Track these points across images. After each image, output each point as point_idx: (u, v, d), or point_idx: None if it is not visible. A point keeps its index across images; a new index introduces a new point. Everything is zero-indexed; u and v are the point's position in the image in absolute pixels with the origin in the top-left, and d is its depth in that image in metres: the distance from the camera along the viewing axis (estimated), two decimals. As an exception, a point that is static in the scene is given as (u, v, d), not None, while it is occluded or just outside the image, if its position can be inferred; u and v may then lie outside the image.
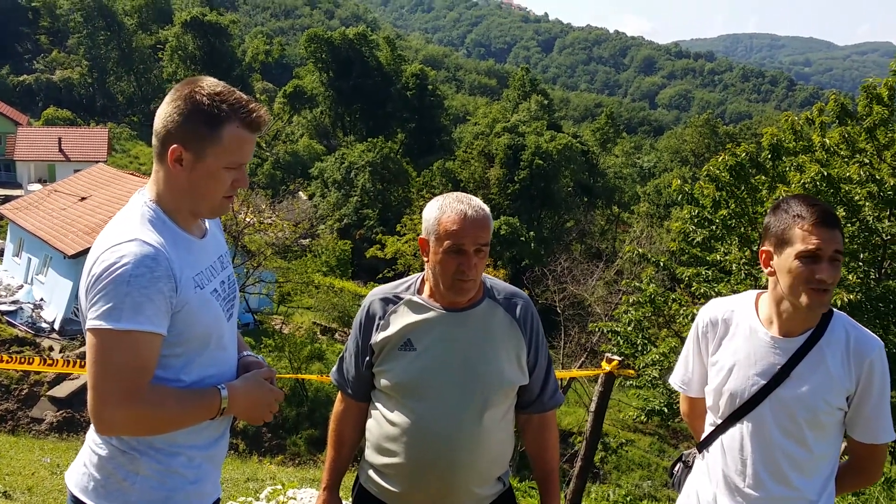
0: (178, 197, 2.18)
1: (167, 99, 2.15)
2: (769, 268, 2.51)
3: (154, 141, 2.17)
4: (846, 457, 2.65)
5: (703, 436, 2.72)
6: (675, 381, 2.87)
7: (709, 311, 2.70)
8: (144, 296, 1.99)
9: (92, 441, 2.20)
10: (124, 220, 2.14)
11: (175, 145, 2.11)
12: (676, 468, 2.93)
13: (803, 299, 2.42)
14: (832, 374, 2.43)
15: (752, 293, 2.65)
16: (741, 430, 2.55)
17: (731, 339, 2.61)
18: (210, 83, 2.15)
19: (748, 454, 2.53)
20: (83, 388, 18.27)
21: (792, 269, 2.42)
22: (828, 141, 10.80)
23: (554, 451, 2.86)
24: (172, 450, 2.17)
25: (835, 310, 2.54)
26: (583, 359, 25.15)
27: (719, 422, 2.62)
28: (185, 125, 2.10)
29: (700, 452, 2.75)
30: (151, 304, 2.00)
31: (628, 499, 6.94)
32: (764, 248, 2.53)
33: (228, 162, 2.15)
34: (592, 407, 5.76)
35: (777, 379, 2.48)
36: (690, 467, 2.82)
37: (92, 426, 2.17)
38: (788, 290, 2.45)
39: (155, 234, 2.09)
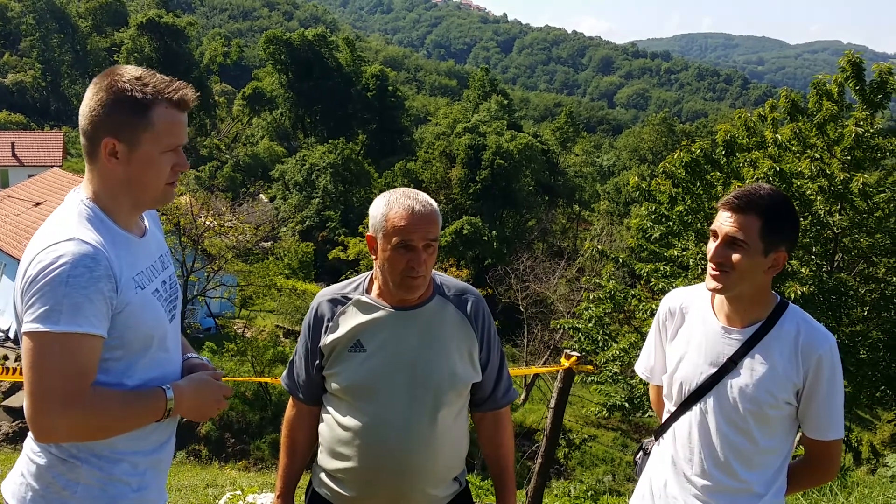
0: (117, 192, 2.11)
1: (88, 94, 2.07)
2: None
3: (82, 140, 2.09)
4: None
5: (661, 423, 2.75)
6: (639, 369, 2.91)
7: (668, 301, 2.74)
8: (83, 296, 1.92)
9: (30, 449, 2.13)
10: (60, 220, 2.07)
11: (107, 138, 2.04)
12: (638, 456, 2.96)
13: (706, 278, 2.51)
14: (777, 367, 2.44)
15: None
16: (690, 418, 2.57)
17: (686, 328, 2.64)
18: (128, 70, 2.09)
19: (695, 442, 2.55)
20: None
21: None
22: (780, 137, 10.98)
23: (509, 449, 2.83)
24: (115, 456, 2.10)
25: (790, 304, 2.56)
26: (546, 356, 25.30)
27: (673, 409, 2.65)
28: (112, 116, 2.03)
29: (657, 440, 2.78)
30: (91, 306, 1.93)
31: (589, 493, 6.98)
32: None
33: (164, 146, 2.09)
34: (552, 403, 5.79)
35: (724, 368, 2.50)
36: (649, 454, 2.84)
37: (30, 435, 2.10)
38: None
39: (93, 233, 2.02)
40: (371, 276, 2.69)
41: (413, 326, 2.59)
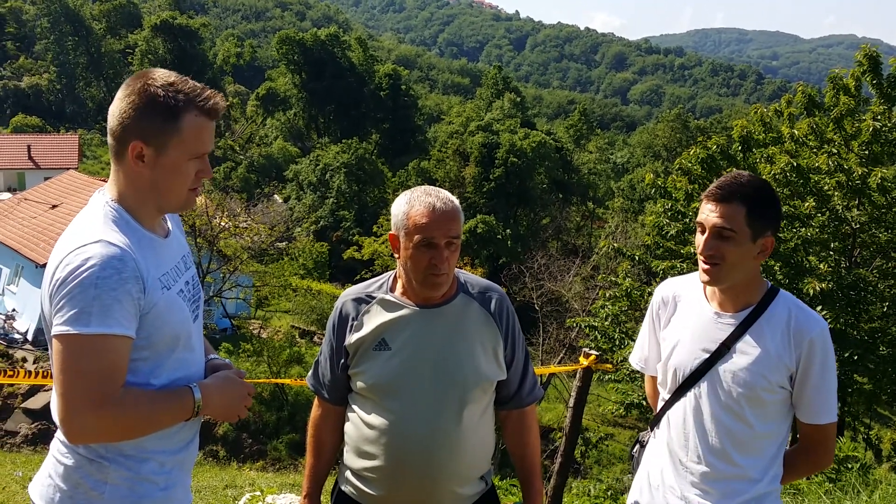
0: (141, 195, 2.11)
1: (119, 95, 2.08)
2: None
3: (110, 140, 2.10)
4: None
5: (655, 413, 2.75)
6: (633, 360, 2.90)
7: (661, 290, 2.75)
8: (113, 298, 1.93)
9: (57, 451, 2.13)
10: (87, 222, 2.07)
11: (135, 142, 2.04)
12: (634, 449, 2.94)
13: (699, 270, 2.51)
14: (771, 351, 2.44)
15: None
16: (684, 404, 2.57)
17: (679, 315, 2.65)
18: (162, 74, 2.08)
19: (690, 428, 2.55)
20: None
21: (694, 241, 2.51)
22: (796, 132, 10.91)
23: (535, 447, 2.82)
24: (142, 456, 2.11)
25: (781, 290, 2.57)
26: (561, 355, 25.23)
27: (667, 397, 2.64)
28: (141, 120, 2.03)
29: (652, 430, 2.78)
30: (120, 307, 1.94)
31: (609, 493, 6.95)
32: None
33: (191, 153, 2.09)
34: (571, 402, 5.76)
35: (718, 353, 2.50)
36: (646, 446, 2.83)
37: (56, 437, 2.12)
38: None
39: (120, 235, 2.03)
40: (395, 275, 2.69)
41: (437, 324, 2.58)
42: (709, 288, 2.60)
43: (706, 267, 2.46)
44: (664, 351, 2.66)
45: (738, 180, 2.45)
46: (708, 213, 2.45)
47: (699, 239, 2.48)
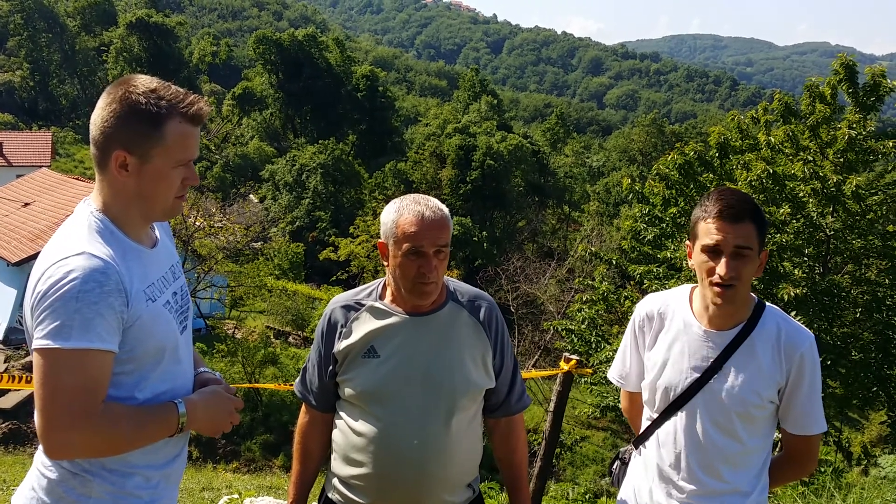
0: (127, 204, 2.07)
1: (100, 103, 2.03)
2: (692, 261, 2.54)
3: (93, 149, 2.05)
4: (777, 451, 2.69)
5: (641, 431, 2.73)
6: (613, 375, 2.87)
7: (645, 306, 2.71)
8: (94, 312, 1.89)
9: (40, 463, 2.08)
10: (71, 233, 2.03)
11: (118, 151, 2.00)
12: (614, 466, 2.95)
13: (708, 294, 2.47)
14: (763, 366, 2.46)
15: (688, 287, 2.66)
16: (675, 423, 2.56)
17: (666, 332, 2.62)
18: (143, 81, 2.04)
19: (681, 447, 2.54)
20: (30, 398, 17.78)
21: (699, 263, 2.46)
22: (773, 139, 11.00)
23: (523, 454, 2.84)
24: (127, 470, 2.07)
25: (767, 304, 2.57)
26: (536, 357, 25.32)
27: (655, 416, 2.63)
28: (124, 128, 1.99)
29: (637, 448, 2.76)
30: (102, 321, 1.90)
31: (587, 496, 6.99)
32: (687, 242, 2.57)
33: (176, 160, 2.05)
34: (551, 407, 5.78)
35: (710, 372, 2.49)
36: (627, 464, 2.83)
37: (40, 449, 2.07)
38: (700, 283, 2.50)
39: (104, 247, 1.99)
40: (384, 282, 2.69)
41: (427, 332, 2.58)
42: (696, 304, 2.58)
43: (721, 290, 2.41)
44: (652, 369, 2.64)
45: (744, 198, 2.44)
46: (724, 234, 2.39)
47: (712, 263, 2.42)
